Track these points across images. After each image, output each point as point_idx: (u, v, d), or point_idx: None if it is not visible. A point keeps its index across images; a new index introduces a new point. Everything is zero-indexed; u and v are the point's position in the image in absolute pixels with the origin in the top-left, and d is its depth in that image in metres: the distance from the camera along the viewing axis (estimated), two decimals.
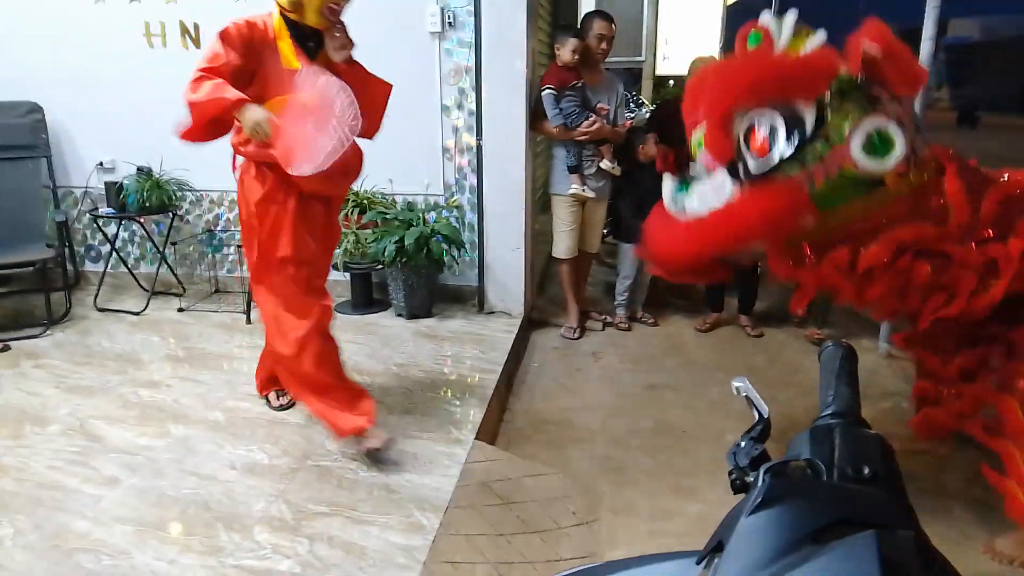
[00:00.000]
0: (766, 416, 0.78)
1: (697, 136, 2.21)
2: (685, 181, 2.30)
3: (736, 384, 0.82)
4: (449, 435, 2.81)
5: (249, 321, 4.03)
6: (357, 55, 4.12)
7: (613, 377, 3.74)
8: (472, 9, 3.90)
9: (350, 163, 2.67)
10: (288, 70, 2.44)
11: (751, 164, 2.06)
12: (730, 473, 0.75)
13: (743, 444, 0.75)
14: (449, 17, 3.95)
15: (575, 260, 4.27)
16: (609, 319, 4.44)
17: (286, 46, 2.47)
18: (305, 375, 2.62)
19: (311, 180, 2.38)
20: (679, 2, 11.41)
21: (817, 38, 2.07)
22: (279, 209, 2.57)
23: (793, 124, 1.98)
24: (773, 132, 2.00)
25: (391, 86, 2.80)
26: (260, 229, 2.58)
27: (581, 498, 2.64)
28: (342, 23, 2.53)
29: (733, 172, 2.10)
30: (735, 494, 0.74)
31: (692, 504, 2.67)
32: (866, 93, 2.01)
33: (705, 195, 2.17)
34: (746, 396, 0.81)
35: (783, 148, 1.98)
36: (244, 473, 2.53)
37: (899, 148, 1.93)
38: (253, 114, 2.31)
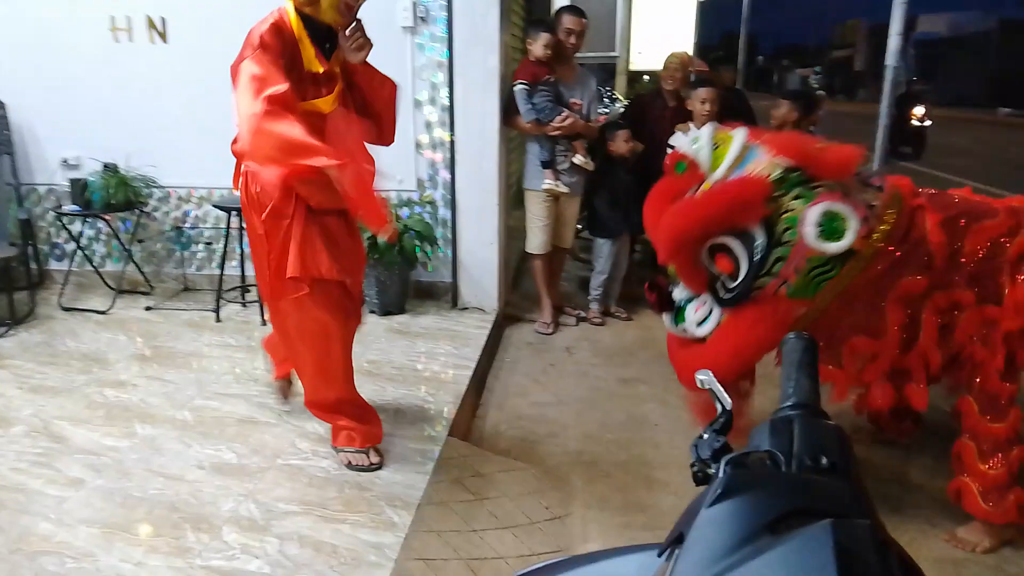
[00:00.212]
0: (728, 408, 0.78)
1: (671, 268, 2.38)
2: (680, 309, 2.41)
3: (700, 377, 0.82)
4: (422, 432, 2.80)
5: (219, 319, 3.97)
6: None
7: (586, 371, 3.75)
8: (445, 4, 3.88)
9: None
10: (310, 73, 2.29)
11: (728, 283, 2.21)
12: (692, 465, 0.75)
13: (705, 436, 0.75)
14: (422, 12, 3.93)
15: (549, 256, 4.27)
16: (583, 314, 4.45)
17: (307, 48, 2.28)
18: (323, 400, 2.56)
19: (317, 193, 2.23)
20: None
21: (737, 140, 2.21)
22: (290, 224, 2.31)
23: (746, 243, 2.12)
24: (732, 253, 2.15)
25: (397, 84, 2.67)
26: (271, 246, 2.34)
27: (554, 493, 2.64)
28: (359, 21, 2.35)
29: (715, 293, 2.26)
30: (697, 486, 0.73)
31: (664, 497, 2.68)
32: (803, 183, 2.12)
33: (700, 317, 2.33)
34: (709, 389, 0.81)
35: (745, 266, 2.13)
36: (212, 473, 2.50)
37: (852, 222, 2.04)
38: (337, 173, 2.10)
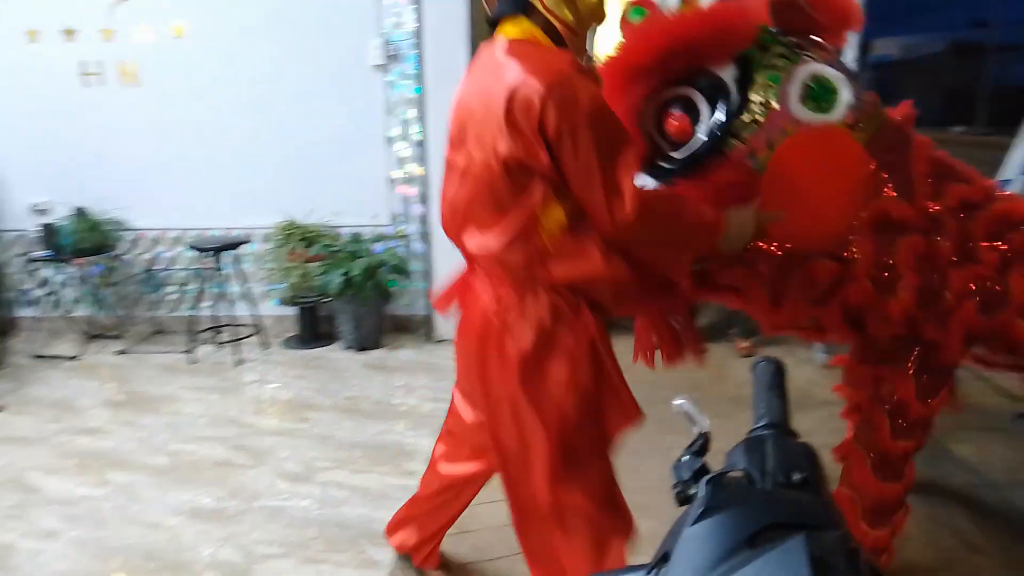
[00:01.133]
0: (705, 431, 0.80)
1: None
2: None
3: (677, 402, 0.85)
4: (401, 468, 2.78)
5: (192, 361, 3.93)
6: (301, 90, 4.13)
7: None
8: (414, 42, 3.95)
9: None
10: None
11: (674, 155, 1.62)
12: (674, 486, 0.76)
13: (685, 458, 0.77)
14: (392, 50, 3.99)
15: None
16: None
17: None
18: None
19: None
20: (612, 32, 11.74)
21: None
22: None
23: (713, 92, 1.57)
24: (691, 109, 1.59)
25: None
26: (574, 407, 1.53)
27: None
28: None
29: (656, 174, 1.65)
30: (680, 506, 0.75)
31: (644, 521, 2.65)
32: (787, 44, 1.65)
33: None
34: (685, 412, 0.84)
35: (709, 122, 1.55)
36: (190, 518, 2.46)
37: (844, 93, 1.59)
38: (739, 216, 1.55)
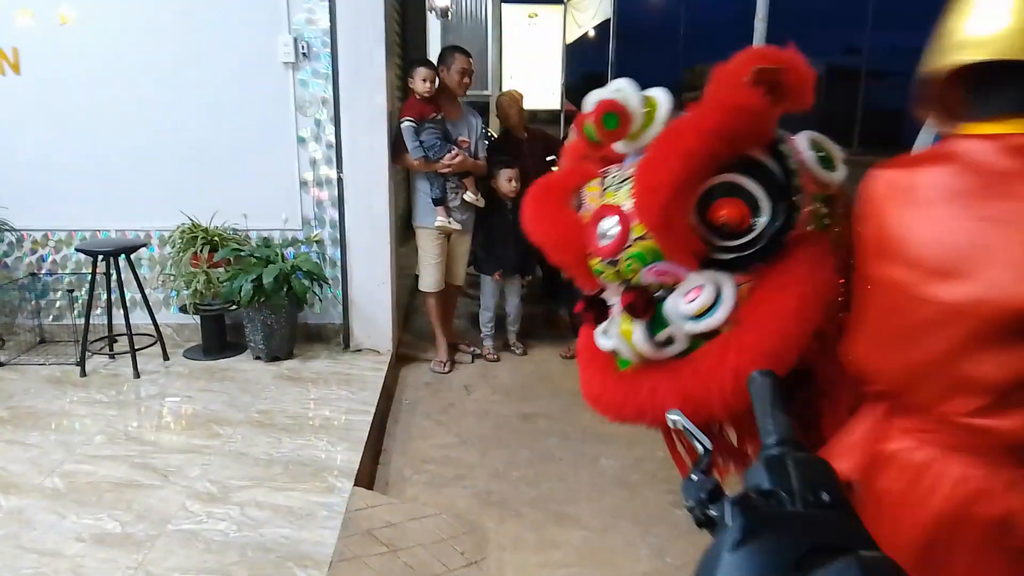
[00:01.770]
0: (710, 448, 0.79)
1: (633, 252, 1.41)
2: (658, 316, 1.45)
3: (672, 417, 0.83)
4: (324, 483, 2.66)
5: (84, 373, 3.63)
6: (205, 85, 3.91)
7: (487, 409, 3.72)
8: (328, 40, 3.81)
9: None
10: None
11: (732, 243, 1.40)
12: (690, 509, 0.75)
13: (695, 478, 0.75)
14: (303, 47, 3.84)
15: (442, 293, 4.23)
16: (478, 351, 4.44)
17: None
18: None
19: None
20: (521, 37, 11.90)
21: (663, 104, 1.47)
22: None
23: (762, 172, 1.41)
24: (734, 193, 1.41)
25: None
26: None
27: (467, 537, 2.59)
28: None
29: (723, 266, 1.43)
30: (700, 528, 0.74)
31: (575, 531, 2.70)
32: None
33: (702, 304, 1.38)
34: (684, 428, 0.82)
35: (767, 208, 1.38)
36: (94, 545, 2.26)
37: (836, 151, 1.50)
38: None
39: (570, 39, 11.93)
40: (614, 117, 1.45)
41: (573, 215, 1.49)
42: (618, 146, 1.46)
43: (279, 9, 3.80)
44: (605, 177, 1.48)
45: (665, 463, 3.19)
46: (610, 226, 1.35)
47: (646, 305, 1.47)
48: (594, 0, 9.99)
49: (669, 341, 1.38)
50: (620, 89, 1.43)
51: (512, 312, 4.48)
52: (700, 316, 1.33)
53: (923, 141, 3.56)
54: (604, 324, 1.50)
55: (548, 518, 2.76)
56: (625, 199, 1.37)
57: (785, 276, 1.36)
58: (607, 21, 10.75)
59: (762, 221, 1.36)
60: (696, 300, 1.35)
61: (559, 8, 11.70)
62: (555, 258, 1.53)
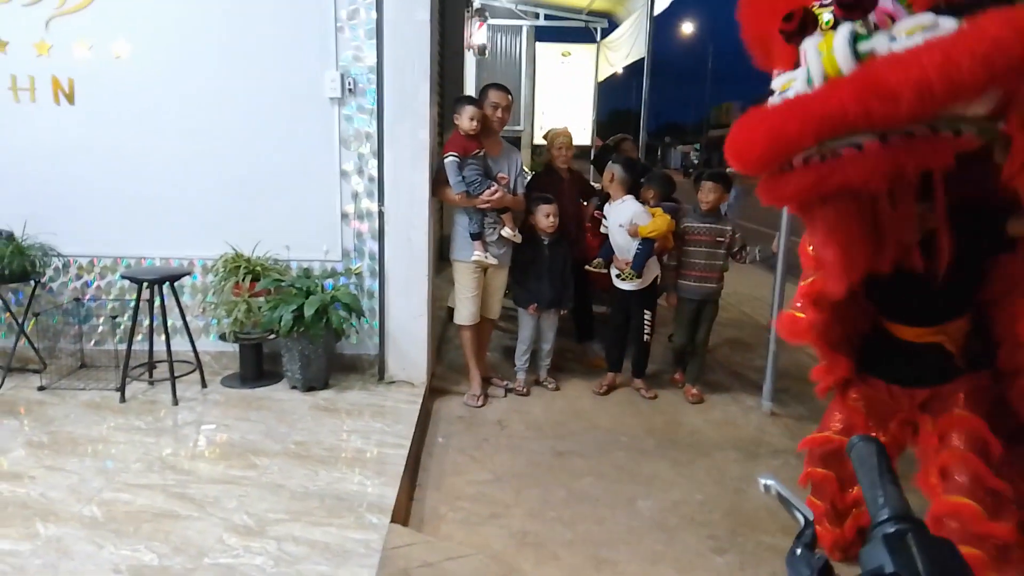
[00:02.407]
0: (810, 519, 0.76)
1: None
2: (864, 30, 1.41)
3: (765, 482, 0.80)
4: (362, 520, 2.64)
5: (123, 399, 3.66)
6: (252, 119, 3.99)
7: (521, 445, 3.68)
8: (373, 77, 3.88)
9: None
10: None
11: None
12: None
13: (799, 552, 0.72)
14: (349, 83, 3.91)
15: (477, 326, 4.23)
16: (510, 385, 4.41)
17: None
18: None
19: None
20: (554, 75, 12.03)
21: None
22: None
23: None
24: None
25: None
26: None
27: None
28: None
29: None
30: None
31: None
32: None
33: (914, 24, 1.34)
34: (778, 495, 0.79)
35: None
36: None
37: None
38: None
39: (601, 77, 12.04)
40: None
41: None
42: None
43: (327, 46, 3.88)
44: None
45: (704, 507, 3.12)
46: None
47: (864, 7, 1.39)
48: (627, 39, 10.06)
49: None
50: None
51: (546, 347, 4.46)
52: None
53: None
54: None
55: (586, 562, 2.70)
56: None
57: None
58: (637, 59, 10.87)
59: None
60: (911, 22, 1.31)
61: (592, 47, 11.82)
62: None
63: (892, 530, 0.69)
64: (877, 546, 0.66)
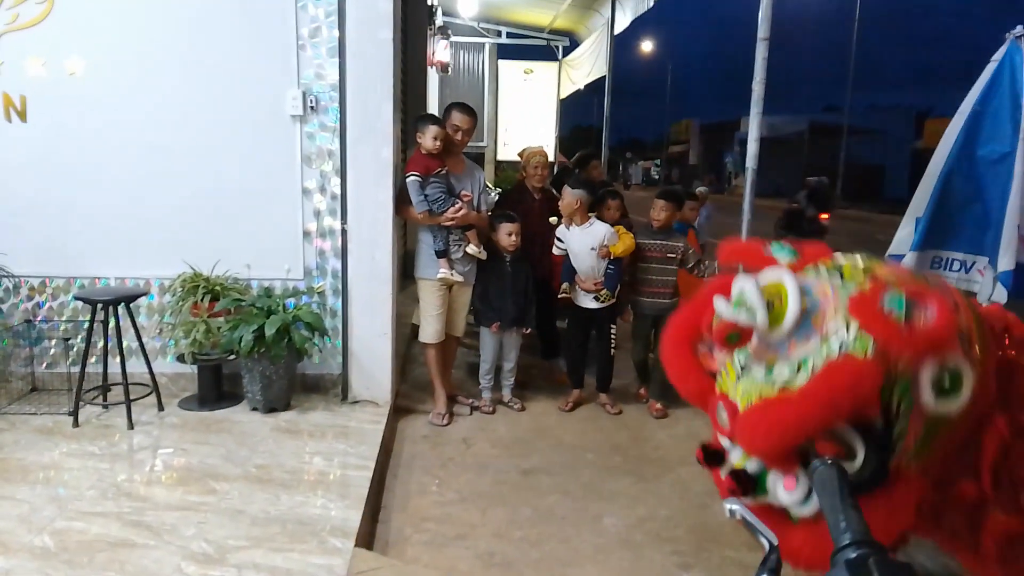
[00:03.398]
0: (775, 543, 0.76)
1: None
2: (758, 480, 1.43)
3: (730, 507, 0.80)
4: (325, 544, 2.59)
5: (76, 424, 3.55)
6: (210, 136, 3.93)
7: (486, 464, 3.66)
8: (335, 95, 3.86)
9: None
10: None
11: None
12: None
13: None
14: (311, 101, 3.88)
15: (442, 344, 4.21)
16: (475, 403, 4.39)
17: None
18: None
19: None
20: (517, 92, 12.13)
21: (792, 294, 1.51)
22: None
23: (865, 429, 1.49)
24: (841, 439, 1.48)
25: None
26: None
27: None
28: None
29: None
30: None
31: None
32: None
33: (799, 496, 1.40)
34: (742, 519, 0.79)
35: (862, 453, 1.46)
36: None
37: (967, 370, 1.51)
38: None
39: (563, 94, 12.17)
40: (735, 335, 1.57)
41: (704, 378, 1.69)
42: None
43: (289, 63, 3.85)
44: (737, 354, 1.56)
45: (669, 522, 3.14)
46: (726, 417, 1.49)
47: (746, 487, 1.41)
48: (589, 58, 10.21)
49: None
50: (739, 301, 1.50)
51: (508, 365, 4.45)
52: (803, 502, 1.35)
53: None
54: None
55: None
56: (740, 397, 1.49)
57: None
58: (598, 77, 11.03)
59: (855, 464, 1.39)
60: (794, 490, 1.38)
61: (554, 65, 11.95)
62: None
63: (854, 555, 0.70)
64: (840, 571, 0.67)
